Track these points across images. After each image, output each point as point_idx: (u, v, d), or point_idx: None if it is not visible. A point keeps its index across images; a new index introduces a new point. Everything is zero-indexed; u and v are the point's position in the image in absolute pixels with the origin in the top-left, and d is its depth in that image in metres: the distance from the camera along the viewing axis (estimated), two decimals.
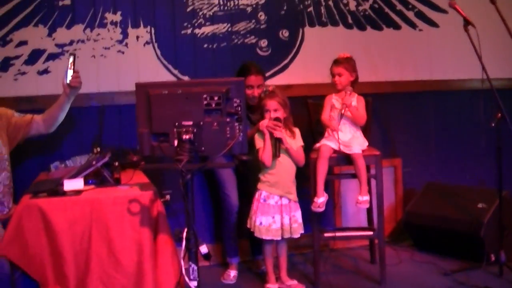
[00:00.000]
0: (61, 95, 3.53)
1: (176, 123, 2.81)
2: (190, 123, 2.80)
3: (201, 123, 2.80)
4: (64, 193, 3.10)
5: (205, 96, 2.81)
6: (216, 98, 2.80)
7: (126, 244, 3.01)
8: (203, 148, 2.83)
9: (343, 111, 3.87)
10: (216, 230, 4.53)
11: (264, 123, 3.74)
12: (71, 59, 3.45)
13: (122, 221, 3.03)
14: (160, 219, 3.12)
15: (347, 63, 4.00)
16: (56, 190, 3.11)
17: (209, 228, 4.57)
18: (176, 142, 2.80)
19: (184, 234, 2.83)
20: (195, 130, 2.79)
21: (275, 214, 3.75)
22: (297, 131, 3.86)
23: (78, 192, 3.15)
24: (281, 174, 3.78)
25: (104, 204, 3.05)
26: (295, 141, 3.82)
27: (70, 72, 3.45)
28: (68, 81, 3.45)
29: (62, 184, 3.16)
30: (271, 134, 3.71)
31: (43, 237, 2.97)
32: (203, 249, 2.83)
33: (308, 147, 4.01)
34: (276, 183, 3.77)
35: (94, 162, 3.36)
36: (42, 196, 3.08)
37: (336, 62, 4.02)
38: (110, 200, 3.06)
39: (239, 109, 2.83)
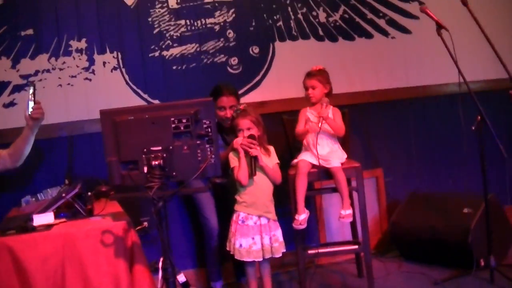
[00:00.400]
0: (24, 128, 3.41)
1: (145, 149, 2.75)
2: (159, 148, 2.74)
3: (171, 147, 2.74)
4: (34, 229, 2.97)
5: (173, 119, 2.75)
6: (184, 120, 2.75)
7: (102, 278, 2.89)
8: (174, 173, 2.76)
9: (320, 124, 3.80)
10: (199, 255, 4.43)
11: (238, 141, 3.67)
12: (31, 90, 3.34)
13: (96, 254, 2.92)
14: (135, 249, 3.01)
15: (320, 75, 3.95)
16: (25, 226, 2.98)
17: (191, 253, 4.48)
18: (146, 169, 2.73)
19: (160, 263, 2.74)
20: (165, 155, 2.73)
21: (254, 235, 3.67)
22: (271, 148, 3.79)
23: (48, 227, 3.03)
24: (258, 193, 3.70)
25: (76, 238, 2.93)
26: (270, 159, 3.74)
27: (31, 104, 3.32)
28: (29, 113, 3.33)
29: (31, 220, 3.04)
30: (246, 153, 3.64)
31: (13, 277, 2.83)
32: (181, 278, 2.76)
33: (286, 164, 3.96)
34: (253, 203, 3.69)
35: (64, 194, 3.25)
36: (10, 233, 2.93)
37: (309, 74, 3.96)
38: (82, 233, 2.95)
39: (209, 130, 2.77)
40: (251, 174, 3.65)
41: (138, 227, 3.41)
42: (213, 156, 2.76)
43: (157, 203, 2.67)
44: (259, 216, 3.68)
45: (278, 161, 3.77)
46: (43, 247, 2.88)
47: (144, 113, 2.79)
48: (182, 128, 2.74)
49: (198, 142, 2.75)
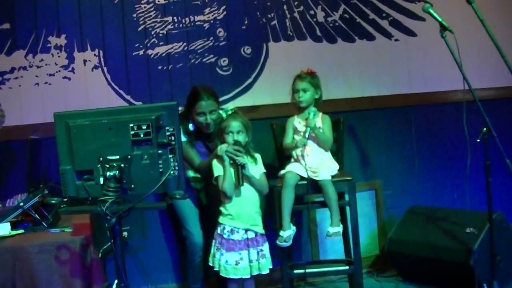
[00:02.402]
0: None
1: (101, 158, 2.54)
2: (117, 157, 2.54)
3: (129, 156, 2.54)
4: None
5: (132, 125, 2.52)
6: (144, 127, 2.52)
7: None
8: (132, 186, 2.56)
9: (307, 134, 3.65)
10: (181, 269, 4.27)
11: (223, 148, 3.48)
12: None
13: (50, 272, 2.76)
14: (94, 268, 2.83)
15: (312, 78, 3.82)
16: None
17: (174, 268, 4.32)
18: (102, 180, 2.53)
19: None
20: (122, 165, 2.53)
21: (241, 250, 3.51)
22: (258, 156, 3.62)
23: (2, 239, 2.82)
24: (244, 205, 3.53)
25: (29, 252, 2.76)
26: (257, 168, 3.58)
27: None
28: None
29: None
30: (232, 160, 3.47)
31: None
32: None
33: (274, 173, 3.84)
34: (239, 215, 3.52)
35: (22, 204, 2.99)
36: None
37: (300, 77, 3.82)
38: (36, 247, 2.77)
39: (173, 138, 2.56)
40: (238, 184, 3.48)
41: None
42: (176, 167, 2.55)
43: (110, 219, 2.46)
44: (246, 230, 3.53)
45: (265, 170, 3.61)
46: None
47: (102, 117, 2.58)
48: (141, 135, 2.52)
49: (159, 151, 2.55)
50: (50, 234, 2.95)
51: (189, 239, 3.84)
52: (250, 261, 3.49)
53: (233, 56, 4.35)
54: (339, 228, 3.60)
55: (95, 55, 4.08)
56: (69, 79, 4.04)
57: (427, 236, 4.16)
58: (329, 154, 3.79)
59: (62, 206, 2.80)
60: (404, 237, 4.29)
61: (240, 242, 3.50)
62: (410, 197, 4.76)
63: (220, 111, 3.71)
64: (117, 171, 2.48)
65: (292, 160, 3.77)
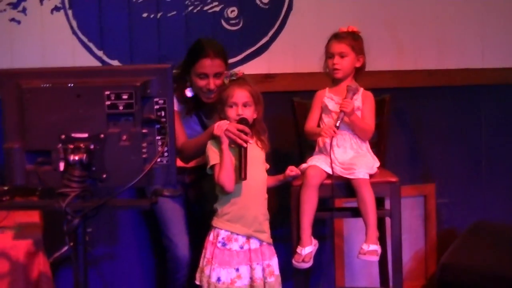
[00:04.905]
0: None
1: (63, 135, 2.53)
2: (85, 135, 2.53)
3: (102, 135, 2.53)
4: None
5: (108, 92, 2.51)
6: (125, 96, 2.52)
7: None
8: (104, 176, 2.55)
9: (338, 122, 3.70)
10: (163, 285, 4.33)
11: (222, 126, 3.49)
12: None
13: None
14: (43, 283, 2.88)
15: (354, 40, 3.86)
16: None
17: (152, 284, 4.39)
18: (62, 166, 2.53)
19: None
20: (92, 147, 2.52)
21: (239, 265, 3.51)
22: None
23: None
24: (248, 203, 3.55)
25: None
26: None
27: None
28: None
29: None
30: (235, 144, 3.49)
31: None
32: None
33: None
34: (241, 217, 3.53)
35: None
36: None
37: (337, 36, 3.87)
38: None
39: (163, 114, 2.56)
40: (242, 177, 3.47)
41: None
42: (166, 154, 2.56)
43: (71, 220, 2.46)
44: (248, 237, 3.54)
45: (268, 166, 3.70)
46: None
47: (67, 79, 2.57)
48: (121, 107, 2.52)
49: (144, 130, 2.54)
50: None
51: (171, 251, 3.87)
52: (252, 280, 3.52)
53: (245, 4, 4.40)
54: (376, 247, 3.62)
55: None
56: (19, 22, 4.07)
57: (495, 263, 4.16)
58: (367, 145, 3.83)
59: (4, 198, 2.78)
60: (462, 263, 4.26)
61: (239, 254, 3.51)
62: (474, 209, 4.82)
63: (224, 79, 3.74)
64: (85, 155, 2.47)
65: (318, 149, 3.81)
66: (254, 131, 3.57)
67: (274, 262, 3.57)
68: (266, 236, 3.57)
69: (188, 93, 3.80)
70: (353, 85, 3.74)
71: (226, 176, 3.47)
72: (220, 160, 3.49)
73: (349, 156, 3.74)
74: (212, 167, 3.53)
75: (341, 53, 3.80)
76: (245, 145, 3.45)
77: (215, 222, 3.56)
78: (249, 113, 3.55)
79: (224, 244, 3.51)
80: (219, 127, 3.48)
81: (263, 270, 3.53)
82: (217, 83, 3.74)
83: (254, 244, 3.53)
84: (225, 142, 3.46)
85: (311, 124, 3.87)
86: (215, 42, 3.90)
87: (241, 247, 3.52)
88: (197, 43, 3.83)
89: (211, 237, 3.56)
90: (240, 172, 3.45)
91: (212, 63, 3.75)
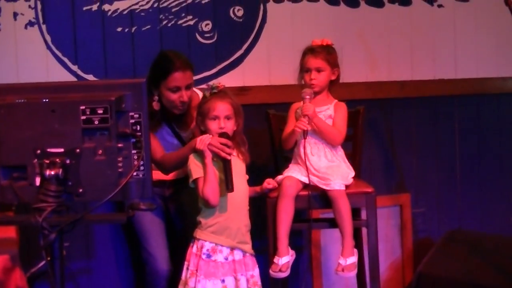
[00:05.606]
0: None
1: (38, 150, 2.53)
2: (61, 150, 2.54)
3: (78, 150, 2.54)
4: None
5: (83, 107, 2.52)
6: (100, 111, 2.52)
7: None
8: (80, 190, 2.56)
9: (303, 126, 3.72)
10: None
11: (205, 140, 3.49)
12: None
13: None
14: None
15: (329, 53, 3.87)
16: None
17: None
18: (38, 180, 2.52)
19: None
20: (67, 162, 2.52)
21: (225, 276, 3.52)
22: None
23: None
24: (233, 215, 3.57)
25: None
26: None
27: None
28: None
29: None
30: (217, 157, 3.50)
31: None
32: None
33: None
34: (226, 229, 3.55)
35: None
36: None
37: (313, 51, 3.86)
38: None
39: (139, 128, 2.57)
40: (227, 189, 3.49)
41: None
42: (142, 167, 2.56)
43: (48, 234, 2.44)
44: (232, 248, 3.56)
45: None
46: None
47: (42, 94, 2.59)
48: (96, 122, 2.52)
49: (119, 145, 2.55)
50: None
51: (150, 264, 3.86)
52: None
53: (219, 18, 4.40)
54: (354, 259, 3.63)
55: (30, 6, 4.11)
56: None
57: (471, 271, 4.16)
58: (342, 154, 3.84)
59: None
60: (438, 272, 4.26)
61: (224, 265, 3.52)
62: (449, 218, 4.85)
63: (204, 91, 3.71)
64: (60, 170, 2.47)
65: (293, 160, 3.83)
66: (235, 143, 3.59)
67: (256, 273, 3.60)
68: (249, 247, 3.60)
69: (156, 106, 3.79)
70: (306, 91, 3.75)
71: (210, 190, 3.47)
72: (204, 174, 3.50)
73: (323, 164, 3.75)
74: (195, 181, 3.54)
75: (318, 68, 3.81)
76: (229, 157, 3.46)
77: (199, 234, 3.56)
78: (231, 126, 3.57)
79: (209, 256, 3.52)
80: (202, 141, 3.49)
81: (247, 281, 3.55)
82: (189, 94, 3.76)
83: (238, 255, 3.55)
84: (208, 156, 3.48)
85: (286, 132, 3.87)
86: (180, 53, 3.89)
87: (226, 259, 3.53)
88: (164, 57, 3.83)
89: (194, 249, 3.56)
90: (227, 185, 3.47)
91: (184, 75, 3.75)
